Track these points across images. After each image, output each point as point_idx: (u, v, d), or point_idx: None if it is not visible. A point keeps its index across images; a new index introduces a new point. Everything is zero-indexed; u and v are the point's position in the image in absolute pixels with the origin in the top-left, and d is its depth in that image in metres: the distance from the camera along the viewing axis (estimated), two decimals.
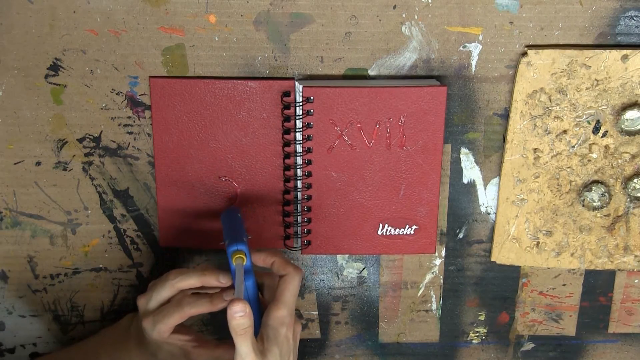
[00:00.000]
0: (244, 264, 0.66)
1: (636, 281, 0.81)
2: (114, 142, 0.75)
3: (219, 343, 0.72)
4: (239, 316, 0.62)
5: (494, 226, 0.79)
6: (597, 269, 0.79)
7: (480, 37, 0.72)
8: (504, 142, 0.76)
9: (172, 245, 0.77)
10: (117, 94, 0.73)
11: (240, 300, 0.62)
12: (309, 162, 0.74)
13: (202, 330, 0.81)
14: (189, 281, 0.68)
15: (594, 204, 0.76)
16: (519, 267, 0.80)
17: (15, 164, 0.75)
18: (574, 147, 0.75)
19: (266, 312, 0.66)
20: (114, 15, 0.70)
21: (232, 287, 0.68)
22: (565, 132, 0.74)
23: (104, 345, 0.75)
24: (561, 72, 0.72)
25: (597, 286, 0.81)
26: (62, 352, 0.78)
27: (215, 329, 0.82)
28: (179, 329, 0.70)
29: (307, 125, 0.73)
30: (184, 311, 0.67)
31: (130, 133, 0.74)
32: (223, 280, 0.68)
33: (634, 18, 0.72)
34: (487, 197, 0.78)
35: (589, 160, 0.75)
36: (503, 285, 0.81)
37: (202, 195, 0.75)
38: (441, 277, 0.81)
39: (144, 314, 0.69)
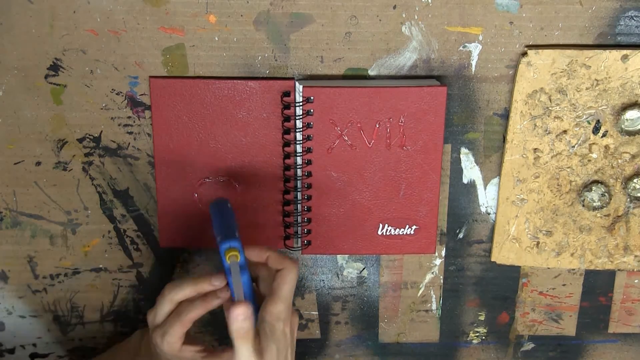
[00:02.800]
0: (238, 261, 0.65)
1: (636, 281, 0.81)
2: (114, 142, 0.75)
3: (225, 349, 0.71)
4: (241, 319, 0.62)
5: (494, 226, 0.79)
6: (597, 269, 0.79)
7: (480, 37, 0.72)
8: (504, 142, 0.76)
9: (172, 245, 0.77)
10: (117, 94, 0.73)
11: (243, 303, 0.62)
12: (309, 162, 0.74)
13: (202, 332, 0.81)
14: (184, 292, 0.68)
15: (594, 204, 0.76)
16: (519, 267, 0.80)
17: (15, 164, 0.75)
18: (574, 147, 0.75)
19: (262, 307, 0.66)
20: (114, 15, 0.70)
21: (226, 285, 0.68)
22: (565, 132, 0.74)
23: None
24: (561, 72, 0.72)
25: (597, 286, 0.81)
26: None
27: (215, 329, 0.82)
28: (189, 341, 0.70)
29: (307, 125, 0.73)
30: (183, 319, 0.67)
31: (130, 133, 0.74)
32: (216, 283, 0.67)
33: (634, 18, 0.72)
34: (487, 197, 0.78)
35: (589, 160, 0.75)
36: (503, 285, 0.81)
37: (202, 196, 0.75)
38: (441, 277, 0.81)
39: (153, 328, 0.69)
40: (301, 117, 0.72)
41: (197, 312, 0.67)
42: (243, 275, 0.66)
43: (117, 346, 0.78)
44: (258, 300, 0.68)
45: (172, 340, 0.68)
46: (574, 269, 0.80)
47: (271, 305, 0.65)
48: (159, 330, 0.69)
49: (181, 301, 0.68)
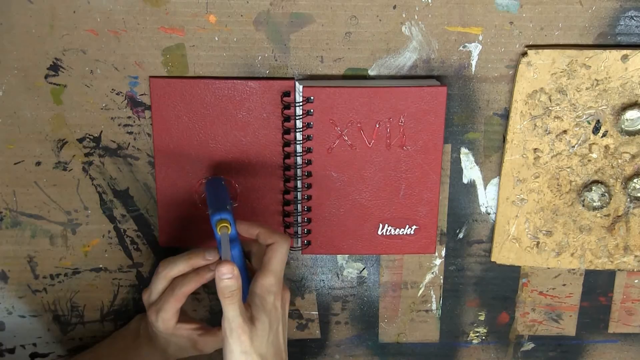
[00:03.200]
0: (229, 232, 0.66)
1: (636, 281, 0.81)
2: (114, 142, 0.75)
3: (220, 328, 0.72)
4: (226, 278, 0.62)
5: (494, 226, 0.79)
6: (597, 269, 0.79)
7: (480, 37, 0.72)
8: (504, 142, 0.76)
9: (172, 245, 0.77)
10: (117, 94, 0.73)
11: (228, 262, 0.62)
12: (309, 162, 0.74)
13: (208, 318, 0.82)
14: (178, 268, 0.69)
15: (594, 204, 0.76)
16: (519, 267, 0.80)
17: (15, 164, 0.75)
18: (574, 147, 0.75)
19: (253, 281, 0.66)
20: (114, 15, 0.70)
21: (219, 260, 0.68)
22: (565, 132, 0.74)
23: (116, 349, 0.75)
24: (561, 72, 0.72)
25: (597, 286, 0.81)
26: (74, 358, 0.78)
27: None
28: (184, 319, 0.71)
29: (307, 125, 0.73)
30: (176, 293, 0.68)
31: (130, 133, 0.74)
32: (210, 257, 0.69)
33: (634, 18, 0.72)
34: (487, 197, 0.78)
35: (589, 160, 0.75)
36: (503, 285, 0.81)
37: (202, 195, 0.75)
38: (441, 277, 0.81)
39: (148, 307, 0.71)
40: (301, 117, 0.72)
41: (190, 286, 0.68)
42: (234, 248, 0.67)
43: (116, 333, 0.78)
44: (251, 276, 0.68)
45: (166, 316, 0.68)
46: (574, 269, 0.80)
47: (261, 278, 0.66)
48: (154, 307, 0.69)
49: (175, 277, 0.69)
